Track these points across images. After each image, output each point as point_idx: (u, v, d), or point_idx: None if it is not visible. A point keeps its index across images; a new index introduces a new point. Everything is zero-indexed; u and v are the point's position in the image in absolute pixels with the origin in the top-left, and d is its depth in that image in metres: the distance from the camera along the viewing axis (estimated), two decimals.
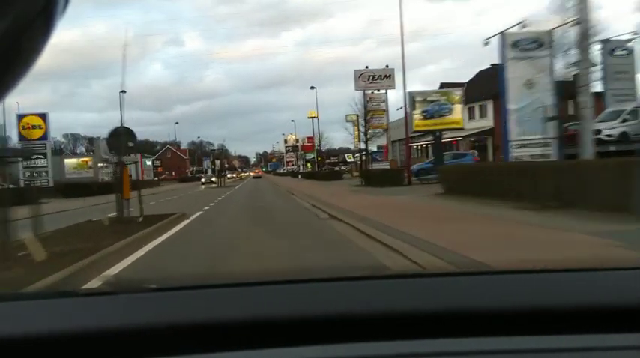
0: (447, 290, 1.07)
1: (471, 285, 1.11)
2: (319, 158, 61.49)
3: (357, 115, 46.29)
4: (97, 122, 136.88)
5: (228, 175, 78.12)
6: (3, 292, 1.38)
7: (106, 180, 61.46)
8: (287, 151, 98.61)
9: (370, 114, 49.31)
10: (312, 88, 53.94)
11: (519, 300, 0.98)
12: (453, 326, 0.91)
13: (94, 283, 4.72)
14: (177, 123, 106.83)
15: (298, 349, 0.87)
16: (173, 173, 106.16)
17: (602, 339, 0.86)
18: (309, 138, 75.00)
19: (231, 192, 31.97)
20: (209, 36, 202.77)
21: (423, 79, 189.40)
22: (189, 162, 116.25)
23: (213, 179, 53.07)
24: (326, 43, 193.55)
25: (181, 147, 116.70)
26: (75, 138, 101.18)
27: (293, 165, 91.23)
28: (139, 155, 63.73)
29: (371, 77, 50.37)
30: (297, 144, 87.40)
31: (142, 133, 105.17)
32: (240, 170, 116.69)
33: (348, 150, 67.96)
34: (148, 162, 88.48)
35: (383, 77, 50.26)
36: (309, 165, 76.75)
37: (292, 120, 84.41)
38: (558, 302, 0.97)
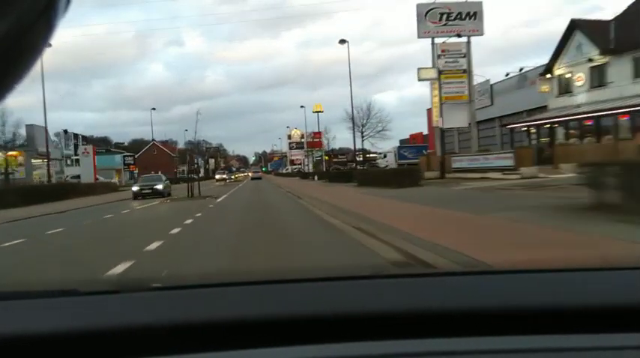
0: (449, 289, 1.05)
1: (475, 285, 1.09)
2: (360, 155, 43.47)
3: (438, 69, 27.69)
4: (98, 122, 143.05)
5: (217, 177, 59.89)
6: (4, 290, 1.27)
7: (54, 182, 43.68)
8: (291, 148, 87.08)
9: (444, 76, 30.69)
10: (341, 41, 35.15)
11: (523, 300, 0.97)
12: (456, 325, 0.90)
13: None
14: (154, 109, 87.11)
15: (299, 348, 0.86)
16: (159, 173, 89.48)
17: (606, 339, 0.85)
18: (315, 133, 64.03)
19: (178, 233, 10.33)
20: (210, 36, 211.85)
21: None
22: (178, 160, 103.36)
23: (159, 187, 27.76)
24: (327, 44, 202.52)
25: (178, 147, 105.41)
26: (67, 136, 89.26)
27: (299, 163, 80.00)
28: (90, 148, 44.94)
29: (444, 16, 31.57)
30: (303, 140, 77.51)
31: (139, 133, 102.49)
32: (236, 170, 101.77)
33: (348, 151, 59.44)
34: (118, 159, 69.97)
35: (464, 16, 31.55)
36: (311, 164, 70.06)
37: (302, 106, 67.52)
38: (562, 302, 0.95)
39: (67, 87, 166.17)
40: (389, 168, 29.70)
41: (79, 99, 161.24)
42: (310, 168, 69.24)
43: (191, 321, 0.92)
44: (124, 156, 71.19)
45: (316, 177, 49.04)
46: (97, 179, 47.10)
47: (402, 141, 68.09)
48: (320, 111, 58.20)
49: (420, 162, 30.10)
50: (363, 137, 33.99)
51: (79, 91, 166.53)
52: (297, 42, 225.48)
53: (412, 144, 67.27)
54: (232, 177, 70.90)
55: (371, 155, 77.25)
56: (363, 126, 33.11)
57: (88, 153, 47.13)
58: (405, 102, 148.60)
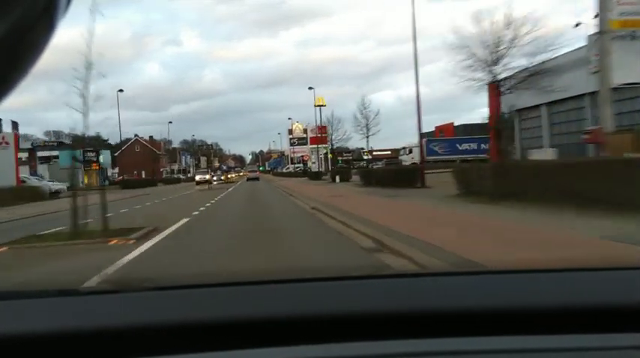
0: (446, 289, 1.06)
1: (471, 285, 1.09)
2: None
3: None
4: (94, 121, 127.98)
5: (197, 178, 45.27)
6: (3, 290, 1.29)
7: None
8: (292, 144, 76.95)
9: None
10: None
11: (520, 300, 0.97)
12: (454, 325, 0.90)
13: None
14: (121, 90, 73.77)
15: (298, 348, 0.86)
16: (143, 173, 77.25)
17: (605, 339, 0.85)
18: (320, 127, 55.74)
19: None
20: (207, 36, 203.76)
21: (422, 79, 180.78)
22: (165, 159, 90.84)
23: None
24: (325, 43, 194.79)
25: (173, 146, 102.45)
26: (58, 135, 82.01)
27: (306, 160, 70.12)
28: (11, 136, 30.42)
29: None
30: (305, 135, 70.25)
31: (135, 133, 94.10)
32: (227, 169, 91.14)
33: (346, 150, 56.42)
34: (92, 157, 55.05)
35: None
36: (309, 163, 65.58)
37: (310, 88, 55.23)
38: (560, 302, 0.95)
39: (63, 86, 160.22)
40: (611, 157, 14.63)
41: (76, 98, 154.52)
42: (320, 166, 58.22)
43: (190, 321, 0.91)
44: (84, 152, 55.74)
45: (338, 178, 34.80)
46: (21, 181, 32.41)
47: (423, 136, 55.65)
48: (322, 106, 53.02)
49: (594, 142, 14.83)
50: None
51: (76, 91, 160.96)
52: (295, 41, 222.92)
53: (442, 138, 53.98)
54: (222, 178, 55.82)
55: (384, 152, 64.11)
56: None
57: (7, 144, 32.22)
58: (404, 102, 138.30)
